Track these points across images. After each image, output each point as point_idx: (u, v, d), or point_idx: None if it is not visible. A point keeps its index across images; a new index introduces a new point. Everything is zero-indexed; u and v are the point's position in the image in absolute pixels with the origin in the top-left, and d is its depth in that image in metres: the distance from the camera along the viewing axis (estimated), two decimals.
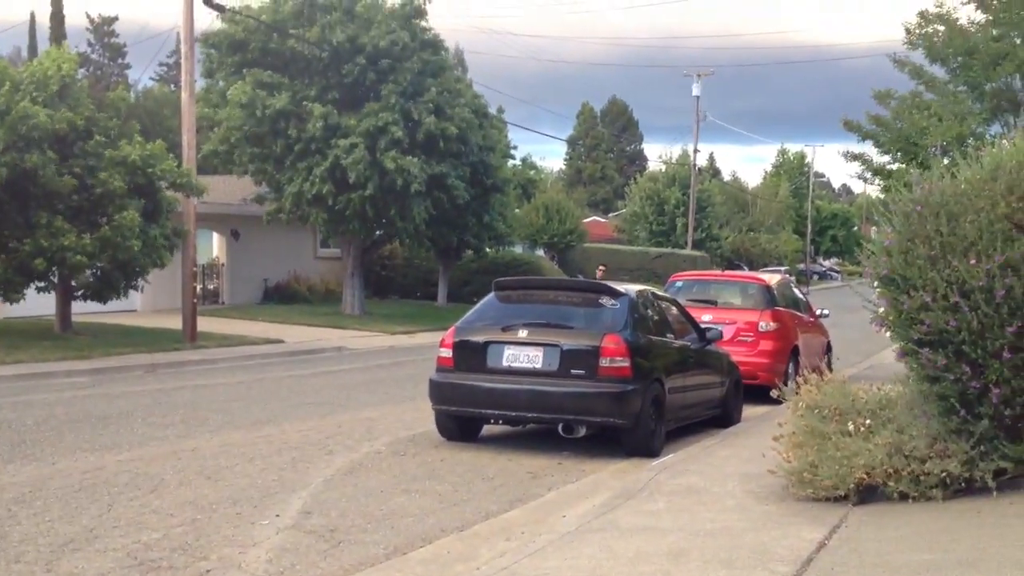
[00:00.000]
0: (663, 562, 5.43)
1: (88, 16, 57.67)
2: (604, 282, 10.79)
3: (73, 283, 19.06)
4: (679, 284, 15.21)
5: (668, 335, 10.31)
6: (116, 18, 58.42)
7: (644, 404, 9.08)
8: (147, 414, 11.11)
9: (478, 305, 10.23)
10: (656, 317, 10.27)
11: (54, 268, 17.79)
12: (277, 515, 6.68)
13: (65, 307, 19.51)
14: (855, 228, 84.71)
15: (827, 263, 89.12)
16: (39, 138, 17.27)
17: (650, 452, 9.18)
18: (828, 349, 16.44)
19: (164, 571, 5.44)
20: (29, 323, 20.38)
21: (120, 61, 59.60)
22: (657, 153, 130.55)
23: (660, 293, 11.59)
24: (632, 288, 10.31)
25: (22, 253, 17.35)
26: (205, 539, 6.07)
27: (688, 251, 51.53)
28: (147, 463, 8.29)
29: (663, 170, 59.91)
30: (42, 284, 18.72)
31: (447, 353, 9.61)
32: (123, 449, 8.91)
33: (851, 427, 6.80)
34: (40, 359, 16.11)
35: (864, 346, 20.70)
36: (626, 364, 8.99)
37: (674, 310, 11.07)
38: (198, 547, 5.90)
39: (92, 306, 20.13)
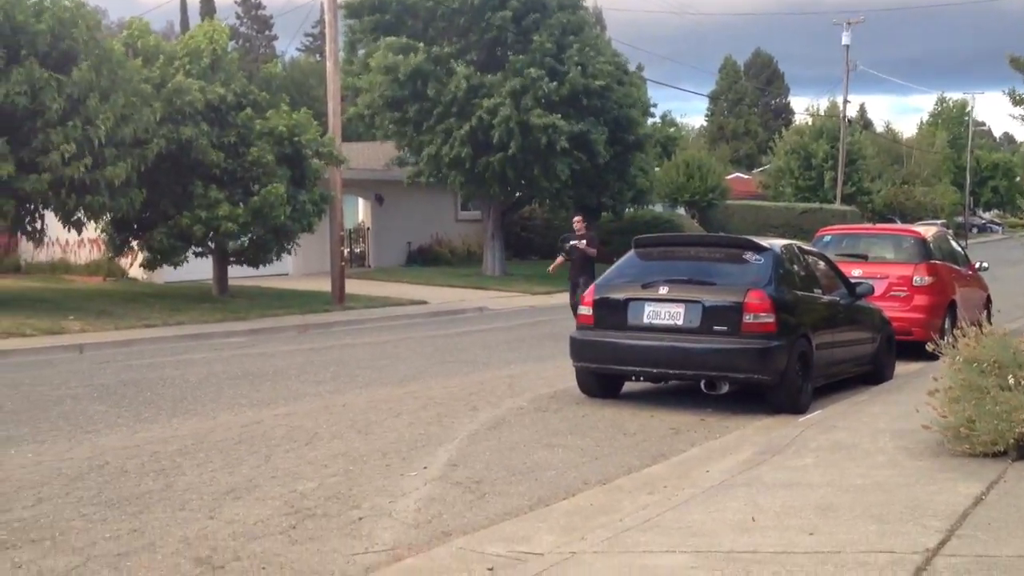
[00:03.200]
0: (811, 516, 5.32)
1: None
2: (748, 237, 10.55)
3: (228, 249, 19.92)
4: (827, 239, 14.74)
5: (815, 290, 10.03)
6: None
7: (790, 360, 8.87)
8: (300, 372, 11.56)
9: (618, 263, 10.18)
10: (802, 272, 9.99)
11: (211, 234, 18.63)
12: (424, 467, 6.86)
13: (222, 272, 20.43)
14: (1018, 179, 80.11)
15: (987, 215, 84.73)
16: (193, 111, 18.04)
17: (796, 409, 8.98)
18: (988, 303, 15.68)
19: (319, 518, 5.66)
20: (189, 287, 21.44)
21: (267, 33, 61.55)
22: (804, 106, 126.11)
23: (807, 247, 11.27)
24: (777, 243, 10.05)
25: (181, 222, 18.24)
26: (357, 489, 6.29)
27: (837, 206, 49.87)
28: (301, 417, 8.64)
29: (810, 123, 57.99)
30: (200, 250, 19.65)
31: (587, 311, 9.62)
32: (279, 404, 9.31)
33: (1011, 381, 6.47)
34: (200, 320, 16.95)
35: None
36: (771, 320, 8.80)
37: (822, 265, 10.75)
38: (350, 496, 6.12)
39: (247, 270, 21.02)
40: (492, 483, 6.48)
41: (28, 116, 15.35)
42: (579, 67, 24.93)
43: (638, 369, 9.30)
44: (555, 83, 24.37)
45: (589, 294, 9.74)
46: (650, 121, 32.86)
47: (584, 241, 16.24)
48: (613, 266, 10.19)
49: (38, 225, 17.89)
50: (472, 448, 7.47)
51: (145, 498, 5.99)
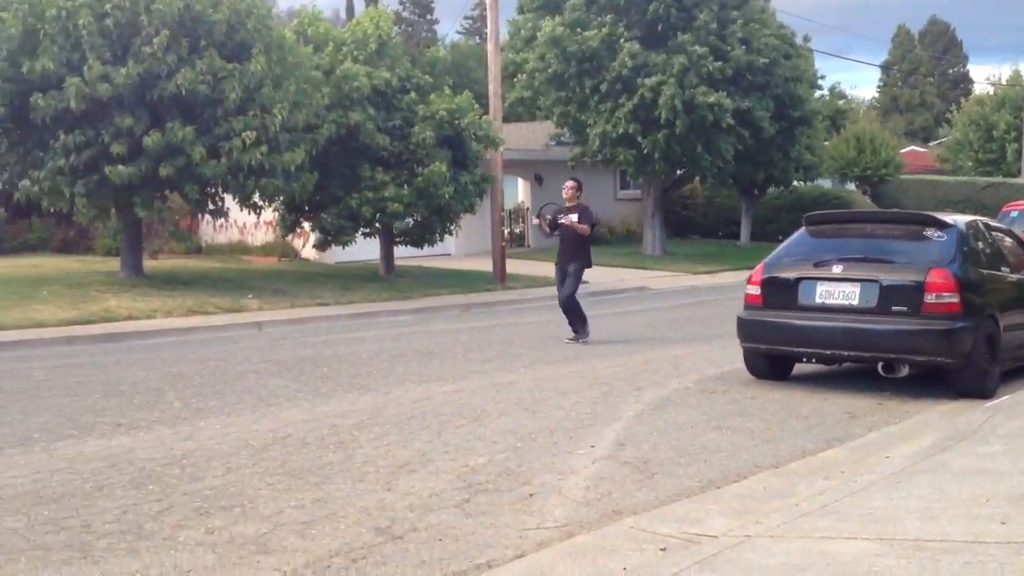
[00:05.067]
0: (1002, 505, 5.04)
1: None
2: (929, 212, 10.03)
3: (394, 229, 20.47)
4: (1014, 214, 13.96)
5: (1003, 268, 9.48)
6: None
7: (976, 342, 8.42)
8: (465, 350, 11.78)
9: (787, 241, 9.89)
10: (988, 249, 9.46)
11: (378, 215, 19.18)
12: (592, 446, 6.87)
13: (388, 252, 21.02)
14: None
15: None
16: (360, 96, 18.58)
17: (982, 393, 8.53)
18: None
19: (491, 493, 5.75)
20: (358, 267, 22.13)
21: (428, 17, 62.64)
22: (985, 75, 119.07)
23: (993, 224, 10.65)
24: (960, 218, 9.54)
25: (350, 203, 18.86)
26: (527, 465, 6.35)
27: (1021, 180, 46.92)
28: (469, 394, 8.79)
29: (991, 93, 54.66)
30: (367, 231, 20.26)
31: (755, 290, 9.40)
32: (447, 381, 9.51)
33: None
34: (369, 299, 17.50)
35: None
36: (955, 300, 8.37)
37: (1008, 242, 10.14)
38: (520, 473, 6.19)
39: (412, 251, 21.55)
40: (660, 463, 6.43)
41: (209, 104, 16.14)
42: (743, 45, 24.34)
43: (810, 351, 9.02)
44: (719, 63, 23.89)
45: (757, 273, 9.51)
46: (817, 94, 31.79)
47: (575, 216, 12.57)
48: (782, 244, 9.91)
49: (220, 207, 18.84)
50: (639, 428, 7.43)
51: (326, 469, 6.23)
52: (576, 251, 12.60)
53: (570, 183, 12.96)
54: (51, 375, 10.06)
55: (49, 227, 25.52)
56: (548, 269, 23.19)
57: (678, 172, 28.07)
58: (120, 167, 15.38)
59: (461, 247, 26.86)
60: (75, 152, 15.70)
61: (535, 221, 13.08)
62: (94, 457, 6.52)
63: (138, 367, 10.58)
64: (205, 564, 4.59)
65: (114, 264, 19.57)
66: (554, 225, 12.71)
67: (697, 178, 29.51)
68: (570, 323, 12.46)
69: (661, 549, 4.78)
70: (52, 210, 18.86)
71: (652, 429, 7.39)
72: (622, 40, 24.47)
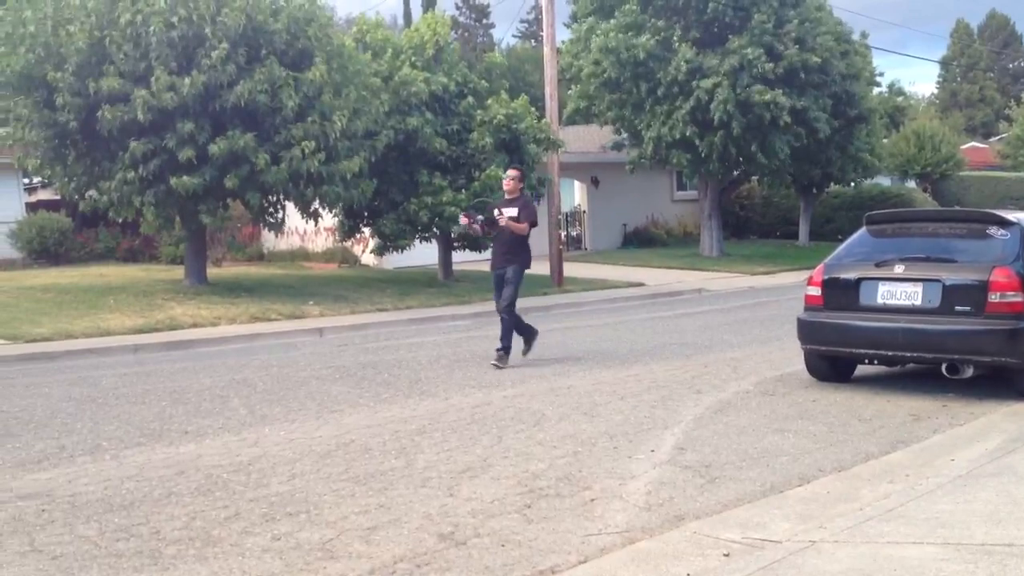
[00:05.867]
0: None
1: None
2: (992, 210, 9.83)
3: (452, 235, 20.59)
4: None
5: None
6: None
7: None
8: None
9: (848, 241, 9.78)
10: None
11: (436, 220, 19.32)
12: (652, 450, 6.87)
13: (446, 257, 21.16)
14: None
15: None
16: (418, 101, 18.75)
17: None
18: None
19: (552, 499, 5.79)
20: (416, 272, 22.32)
21: (484, 21, 62.90)
22: None
23: None
24: None
25: (408, 209, 19.03)
26: (587, 470, 6.38)
27: None
28: (528, 399, 8.84)
29: None
30: (425, 236, 20.42)
31: (816, 291, 9.31)
32: (506, 386, 9.56)
33: None
34: (427, 304, 17.64)
35: None
36: (1019, 299, 8.20)
37: None
38: (581, 478, 6.22)
39: (469, 255, 21.65)
40: (722, 467, 6.41)
41: (269, 113, 16.41)
42: (796, 44, 24.09)
43: (872, 352, 8.91)
44: (771, 63, 23.68)
45: (817, 274, 9.42)
46: (875, 91, 31.29)
47: (516, 210, 10.87)
48: (843, 244, 9.80)
49: (280, 216, 19.14)
50: (699, 432, 7.41)
51: (388, 475, 6.31)
52: (514, 252, 10.94)
53: (511, 172, 11.37)
54: (119, 383, 10.31)
55: (115, 236, 26.12)
56: (606, 272, 23.24)
57: (734, 173, 27.85)
58: (185, 178, 15.71)
59: None
60: (142, 163, 16.07)
61: (463, 220, 11.25)
62: (162, 464, 6.68)
63: (203, 374, 10.81)
64: (272, 570, 4.69)
65: (178, 272, 19.97)
66: (491, 223, 11.01)
67: (755, 178, 29.24)
68: (502, 336, 10.78)
69: (724, 555, 4.77)
70: (118, 220, 19.31)
71: (712, 433, 7.37)
72: (676, 43, 24.38)
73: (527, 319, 11.57)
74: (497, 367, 10.63)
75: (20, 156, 17.75)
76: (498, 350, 10.79)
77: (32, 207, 26.95)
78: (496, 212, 10.96)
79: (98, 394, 9.59)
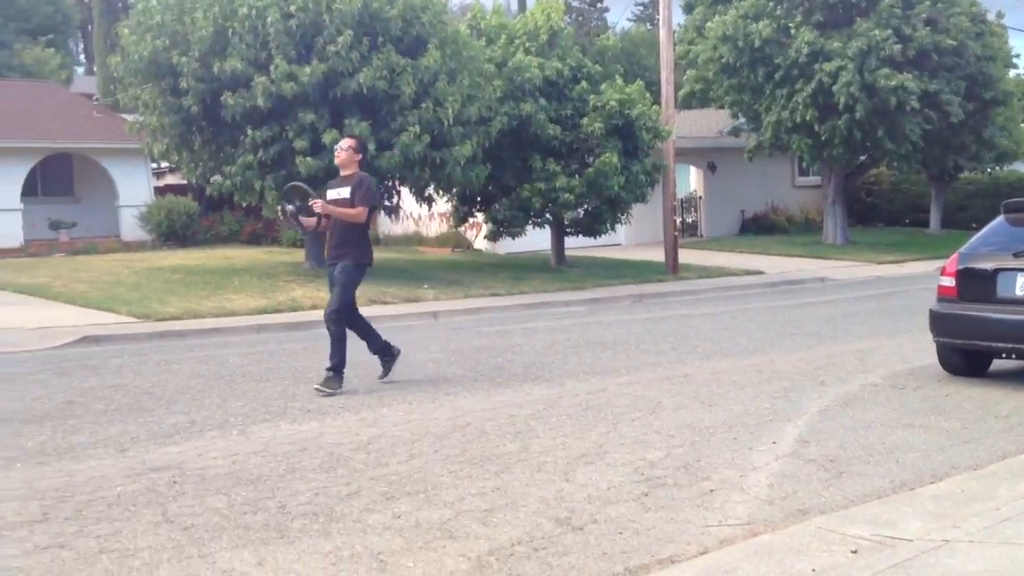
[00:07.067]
0: None
1: None
2: None
3: (565, 220, 20.53)
4: None
5: None
6: None
7: None
8: (639, 341, 11.69)
9: (984, 229, 9.32)
10: None
11: (548, 206, 19.29)
12: (774, 442, 6.68)
13: (559, 242, 21.11)
14: None
15: None
16: (532, 87, 18.73)
17: None
18: None
19: (670, 488, 5.68)
20: (528, 257, 22.35)
21: (599, 5, 62.38)
22: None
23: None
24: None
25: (521, 195, 19.04)
26: (705, 460, 6.24)
27: None
28: (644, 386, 8.72)
29: None
30: (538, 221, 20.41)
31: (949, 282, 8.92)
32: (620, 373, 9.46)
33: None
34: (540, 290, 17.64)
35: None
36: None
37: None
38: (699, 468, 6.09)
39: (581, 240, 21.57)
40: (848, 462, 6.19)
41: (386, 100, 16.62)
42: (927, 26, 23.14)
43: (1009, 346, 8.47)
44: (899, 45, 22.80)
45: (951, 264, 9.01)
46: (1012, 73, 29.85)
47: (348, 189, 8.65)
48: (978, 233, 9.36)
49: (395, 200, 19.39)
50: (823, 425, 7.18)
51: (504, 458, 6.31)
52: (346, 244, 8.65)
53: (345, 142, 8.98)
54: (244, 361, 10.61)
55: (239, 220, 26.98)
56: (722, 259, 22.84)
57: (860, 158, 26.99)
58: (308, 158, 16.04)
59: (631, 236, 26.71)
60: (263, 147, 16.49)
61: (277, 210, 9.36)
62: (286, 441, 6.83)
63: (323, 355, 10.99)
64: (393, 548, 4.73)
65: (298, 255, 20.46)
66: (306, 212, 8.82)
67: (884, 164, 28.28)
68: (331, 353, 8.56)
69: (852, 551, 4.60)
70: (242, 204, 19.88)
71: (838, 426, 7.12)
72: (797, 27, 23.72)
73: (641, 306, 11.33)
74: (322, 393, 8.33)
75: (148, 142, 18.44)
76: (327, 369, 8.53)
77: (160, 191, 28.05)
78: (312, 200, 8.76)
79: (225, 371, 9.88)
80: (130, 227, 26.30)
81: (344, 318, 8.62)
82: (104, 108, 29.24)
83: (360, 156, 8.92)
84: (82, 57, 60.67)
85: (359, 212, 8.55)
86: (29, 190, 26.31)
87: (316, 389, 8.47)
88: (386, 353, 9.05)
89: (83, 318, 13.92)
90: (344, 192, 8.65)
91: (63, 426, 7.45)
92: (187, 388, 8.95)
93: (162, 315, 14.02)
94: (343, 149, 8.84)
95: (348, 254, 8.62)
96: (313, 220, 8.73)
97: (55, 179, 28.01)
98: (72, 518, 5.20)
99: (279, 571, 4.45)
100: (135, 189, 26.75)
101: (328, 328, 8.57)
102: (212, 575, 4.42)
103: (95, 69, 46.83)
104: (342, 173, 8.85)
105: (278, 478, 5.90)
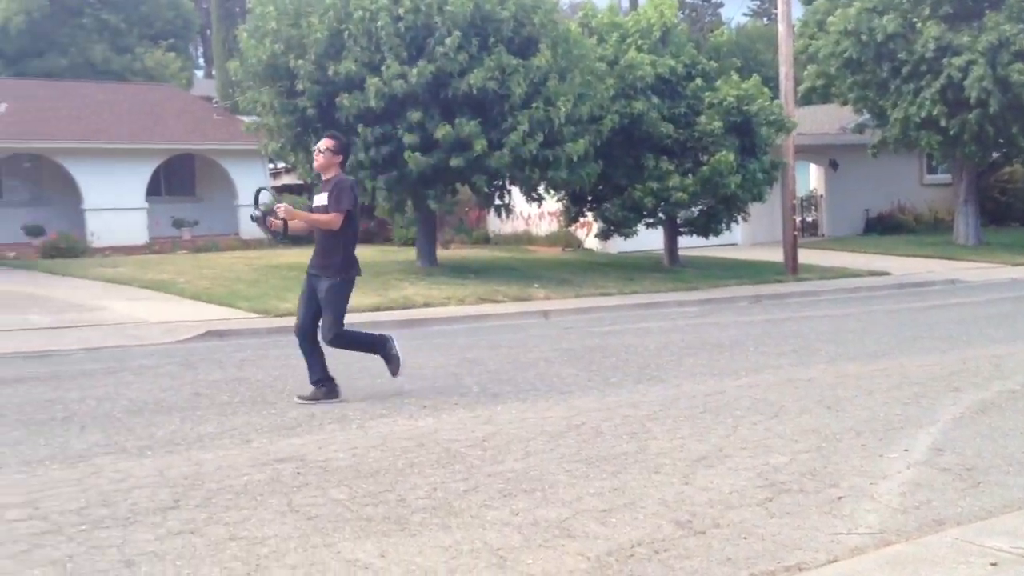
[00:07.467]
0: None
1: None
2: None
3: (678, 219, 20.23)
4: None
5: None
6: None
7: None
8: (757, 343, 11.39)
9: None
10: None
11: (661, 205, 19.03)
12: (905, 449, 6.38)
13: (672, 242, 20.82)
14: None
15: None
16: (644, 85, 18.51)
17: None
18: None
19: (795, 494, 5.48)
20: (640, 257, 22.12)
21: (713, 0, 61.46)
22: None
23: None
24: None
25: (633, 194, 18.83)
26: (832, 467, 6.00)
27: None
28: (764, 389, 8.47)
29: None
30: (650, 220, 20.16)
31: None
32: (739, 375, 9.21)
33: None
34: (652, 290, 17.41)
35: None
36: None
37: None
38: (826, 474, 5.85)
39: (695, 240, 21.22)
40: (986, 472, 5.87)
41: (497, 100, 16.65)
42: None
43: None
44: None
45: None
46: None
47: (325, 195, 8.09)
48: None
49: (505, 199, 19.44)
50: (958, 432, 6.83)
51: (621, 459, 6.18)
52: (328, 253, 8.12)
53: (323, 143, 8.13)
54: (363, 357, 10.69)
55: None
56: (845, 260, 22.16)
57: (993, 155, 25.86)
58: (418, 154, 16.21)
59: (748, 236, 26.18)
60: (375, 147, 16.71)
61: (253, 215, 8.32)
62: (404, 436, 6.85)
63: (437, 352, 11.08)
64: (512, 544, 4.67)
65: (410, 253, 20.69)
66: (260, 215, 8.15)
67: (1018, 161, 27.06)
68: (378, 356, 8.51)
69: (991, 564, 4.34)
70: None
71: (974, 434, 6.77)
72: (924, 21, 22.87)
73: (759, 307, 11.04)
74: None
75: (265, 142, 18.90)
76: (316, 382, 8.24)
77: (277, 191, 28.75)
78: (278, 206, 8.08)
79: (341, 367, 9.99)
80: (248, 225, 27.05)
81: (344, 334, 8.20)
82: (223, 111, 30.16)
83: (340, 158, 8.16)
84: (201, 61, 62.84)
85: (331, 219, 7.91)
86: (153, 190, 27.35)
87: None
88: (324, 383, 8.22)
89: (206, 313, 14.34)
90: (322, 199, 8.05)
91: (191, 417, 7.65)
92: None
93: (280, 311, 14.32)
94: (320, 151, 8.09)
95: (330, 267, 8.06)
96: (280, 223, 8.00)
97: (178, 179, 29.06)
98: (202, 505, 5.32)
99: (401, 563, 4.45)
100: (253, 189, 27.44)
101: (339, 347, 8.31)
102: (337, 565, 4.44)
103: (214, 72, 48.41)
104: (323, 177, 8.20)
105: (397, 472, 5.92)
